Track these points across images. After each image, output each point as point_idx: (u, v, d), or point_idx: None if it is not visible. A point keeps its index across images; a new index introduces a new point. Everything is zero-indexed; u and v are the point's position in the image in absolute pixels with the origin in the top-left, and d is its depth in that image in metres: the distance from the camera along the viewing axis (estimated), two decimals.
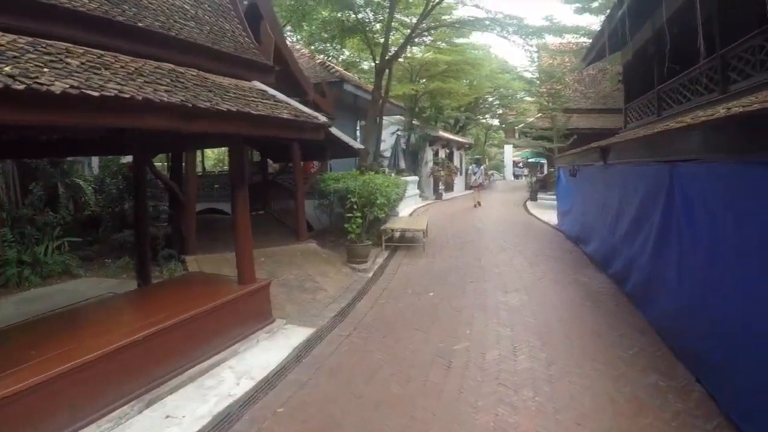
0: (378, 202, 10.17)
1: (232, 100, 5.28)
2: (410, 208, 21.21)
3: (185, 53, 5.92)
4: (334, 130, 11.75)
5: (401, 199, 14.98)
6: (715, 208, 4.30)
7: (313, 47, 24.60)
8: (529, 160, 41.40)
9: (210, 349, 5.65)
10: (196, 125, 4.79)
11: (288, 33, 30.21)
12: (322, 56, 24.15)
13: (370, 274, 9.59)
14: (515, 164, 62.68)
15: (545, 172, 35.23)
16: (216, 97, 5.04)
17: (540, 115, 26.75)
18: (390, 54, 15.82)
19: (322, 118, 6.49)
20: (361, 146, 12.94)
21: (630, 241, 7.33)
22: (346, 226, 9.95)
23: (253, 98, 5.84)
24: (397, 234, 12.94)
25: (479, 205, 22.91)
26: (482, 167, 26.38)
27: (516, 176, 60.72)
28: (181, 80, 5.10)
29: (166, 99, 4.28)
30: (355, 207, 9.93)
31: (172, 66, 5.41)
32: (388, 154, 24.27)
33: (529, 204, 24.30)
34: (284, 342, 6.30)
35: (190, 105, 4.43)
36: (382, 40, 15.75)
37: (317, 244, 12.11)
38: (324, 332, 6.58)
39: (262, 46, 7.54)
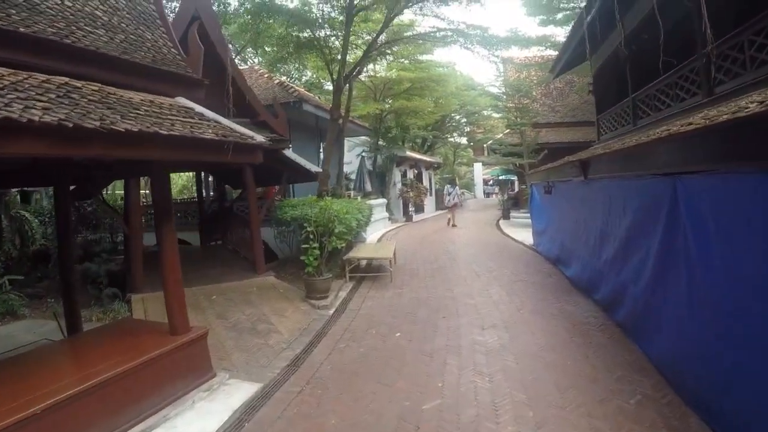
0: (336, 230, 9.15)
1: (139, 118, 4.29)
2: (379, 233, 20.36)
3: (88, 65, 4.94)
4: (289, 153, 10.81)
5: (367, 225, 14.02)
6: (739, 229, 3.44)
7: (274, 68, 23.81)
8: (500, 178, 40.95)
9: (134, 415, 4.68)
10: (88, 150, 3.82)
11: (249, 54, 29.43)
12: (284, 77, 23.33)
13: (331, 312, 8.58)
14: (485, 182, 62.41)
15: (516, 189, 34.75)
16: (115, 115, 4.04)
17: (508, 131, 26.17)
18: (348, 70, 14.98)
19: (259, 138, 5.52)
20: (319, 169, 11.90)
21: (619, 265, 6.48)
22: (302, 258, 8.92)
23: (171, 116, 4.86)
24: (364, 263, 11.97)
25: (455, 225, 22.27)
26: (457, 187, 25.89)
27: (487, 194, 60.36)
28: (73, 95, 4.11)
29: (37, 119, 3.31)
30: (312, 237, 8.90)
31: (67, 80, 4.41)
32: (355, 176, 23.43)
33: (502, 223, 23.63)
34: (224, 402, 5.30)
35: (71, 125, 3.45)
36: (339, 57, 14.86)
37: (276, 277, 11.11)
38: (273, 388, 5.57)
39: (190, 57, 6.57)
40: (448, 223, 22.60)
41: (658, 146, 4.64)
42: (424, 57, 25.48)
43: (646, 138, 4.58)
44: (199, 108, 5.71)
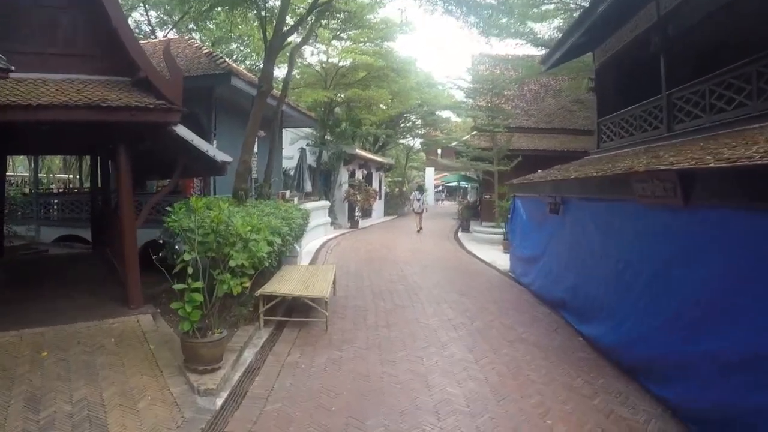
0: (232, 263, 5.43)
1: None
2: (318, 241, 16.91)
3: None
4: (183, 131, 7.14)
5: (300, 238, 10.41)
6: None
7: (216, 47, 20.49)
8: (460, 184, 38.53)
9: None
10: None
11: (191, 29, 25.75)
12: (226, 58, 19.81)
13: (221, 401, 4.95)
14: (435, 188, 59.95)
15: (468, 198, 32.45)
16: None
17: (475, 133, 23.10)
18: (286, 30, 11.34)
19: None
20: (228, 158, 7.91)
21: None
22: (174, 306, 5.24)
23: None
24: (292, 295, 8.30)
25: (420, 229, 22.54)
26: (425, 194, 27.43)
27: (436, 201, 58.06)
28: None
29: None
30: (190, 272, 5.23)
31: None
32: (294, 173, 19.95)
33: (462, 237, 20.59)
34: None
35: None
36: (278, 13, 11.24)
37: (157, 315, 7.40)
38: None
39: None
40: (418, 229, 22.65)
41: None
42: (386, 44, 23.11)
43: None
44: None
